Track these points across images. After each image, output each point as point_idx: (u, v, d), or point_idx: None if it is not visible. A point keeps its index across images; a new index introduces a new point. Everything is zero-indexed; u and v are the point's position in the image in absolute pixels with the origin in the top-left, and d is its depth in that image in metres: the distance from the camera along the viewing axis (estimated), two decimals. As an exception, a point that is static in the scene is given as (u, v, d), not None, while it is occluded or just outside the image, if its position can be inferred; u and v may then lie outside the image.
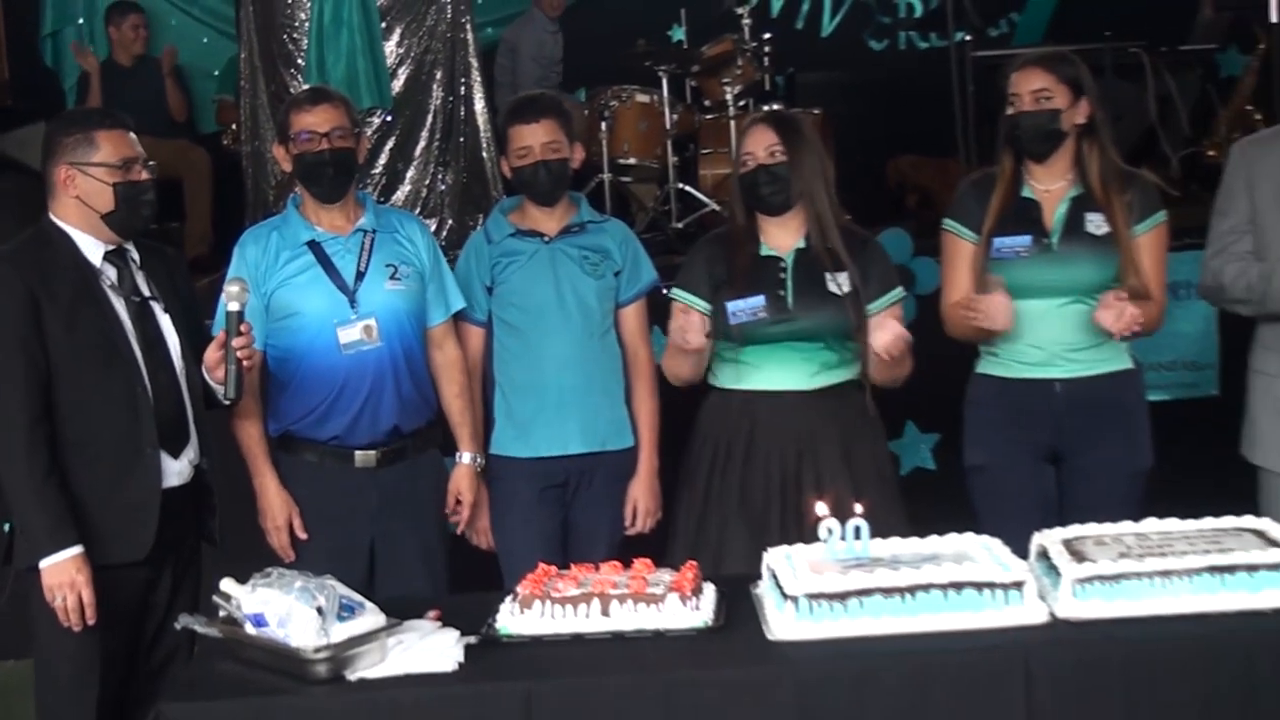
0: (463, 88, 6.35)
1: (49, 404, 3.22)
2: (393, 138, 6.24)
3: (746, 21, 7.52)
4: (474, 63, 6.38)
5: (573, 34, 8.43)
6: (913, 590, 2.74)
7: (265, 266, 3.72)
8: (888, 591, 2.74)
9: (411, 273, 3.79)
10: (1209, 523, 3.01)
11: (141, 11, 7.91)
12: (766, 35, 7.61)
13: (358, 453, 3.74)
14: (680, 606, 2.82)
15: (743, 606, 2.92)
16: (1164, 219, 3.78)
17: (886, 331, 3.52)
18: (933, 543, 2.98)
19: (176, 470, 3.36)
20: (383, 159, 6.22)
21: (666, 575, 2.94)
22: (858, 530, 2.90)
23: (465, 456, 3.91)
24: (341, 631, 2.70)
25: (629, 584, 2.88)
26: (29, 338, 3.20)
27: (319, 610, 2.70)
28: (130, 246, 3.40)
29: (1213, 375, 5.68)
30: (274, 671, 2.71)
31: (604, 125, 7.19)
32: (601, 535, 3.93)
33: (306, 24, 6.08)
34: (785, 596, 2.77)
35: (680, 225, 7.07)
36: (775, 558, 2.93)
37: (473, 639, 2.76)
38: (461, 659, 2.72)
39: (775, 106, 6.94)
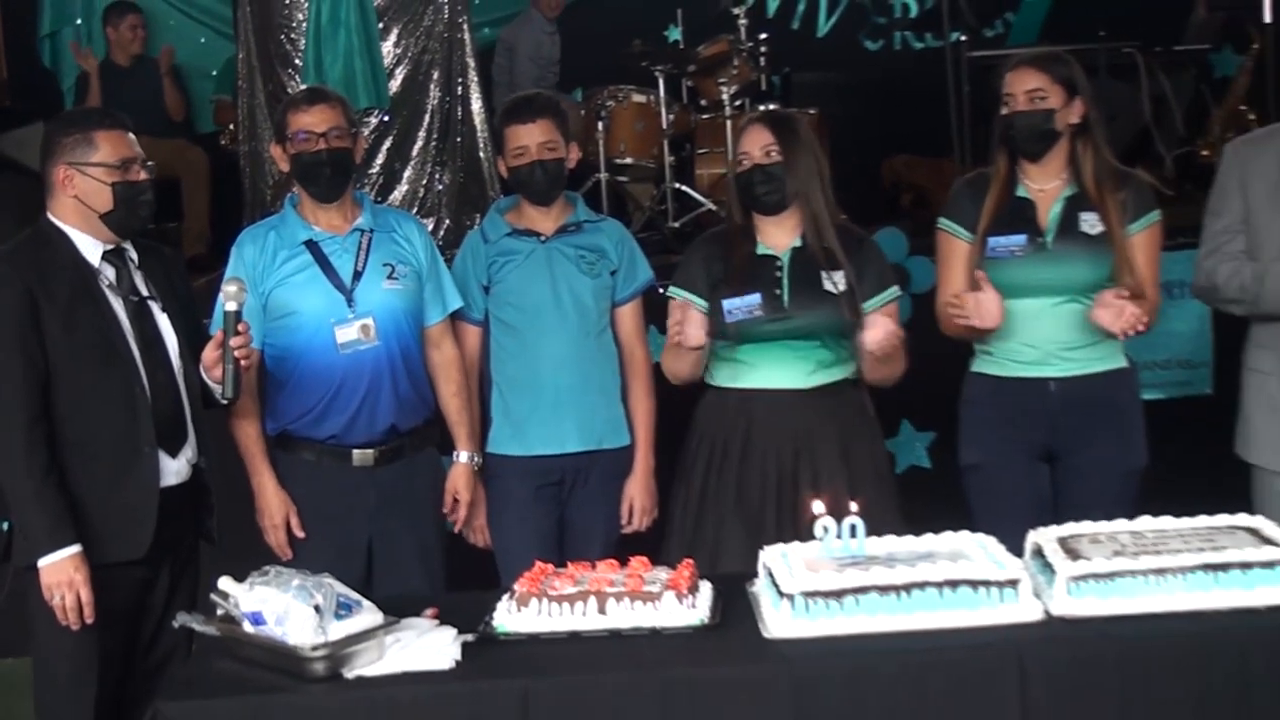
0: (459, 88, 6.36)
1: (47, 403, 3.23)
2: (390, 137, 6.25)
3: (742, 22, 7.52)
4: (471, 63, 6.39)
5: (570, 34, 8.44)
6: (908, 588, 2.75)
7: (263, 266, 3.73)
8: (883, 589, 2.75)
9: (409, 272, 3.80)
10: (1203, 521, 3.02)
11: (139, 12, 7.91)
12: (762, 35, 7.62)
13: (355, 451, 3.74)
14: (677, 604, 2.83)
15: (739, 604, 2.93)
16: (1158, 218, 3.79)
17: (878, 329, 3.53)
18: (928, 541, 2.99)
19: (174, 469, 3.37)
20: (380, 159, 6.22)
21: (663, 573, 2.94)
22: (853, 528, 2.91)
23: (462, 455, 3.92)
24: (339, 630, 2.71)
25: (626, 582, 2.88)
26: (27, 337, 3.21)
27: (316, 608, 2.70)
28: (128, 246, 3.40)
29: (1207, 374, 5.70)
30: (272, 669, 2.71)
31: (600, 125, 7.20)
32: (598, 533, 3.94)
33: (304, 24, 6.08)
34: (781, 594, 2.77)
35: (677, 225, 7.08)
36: (771, 556, 2.93)
37: (470, 637, 2.77)
38: (459, 657, 2.72)
39: (771, 106, 6.95)
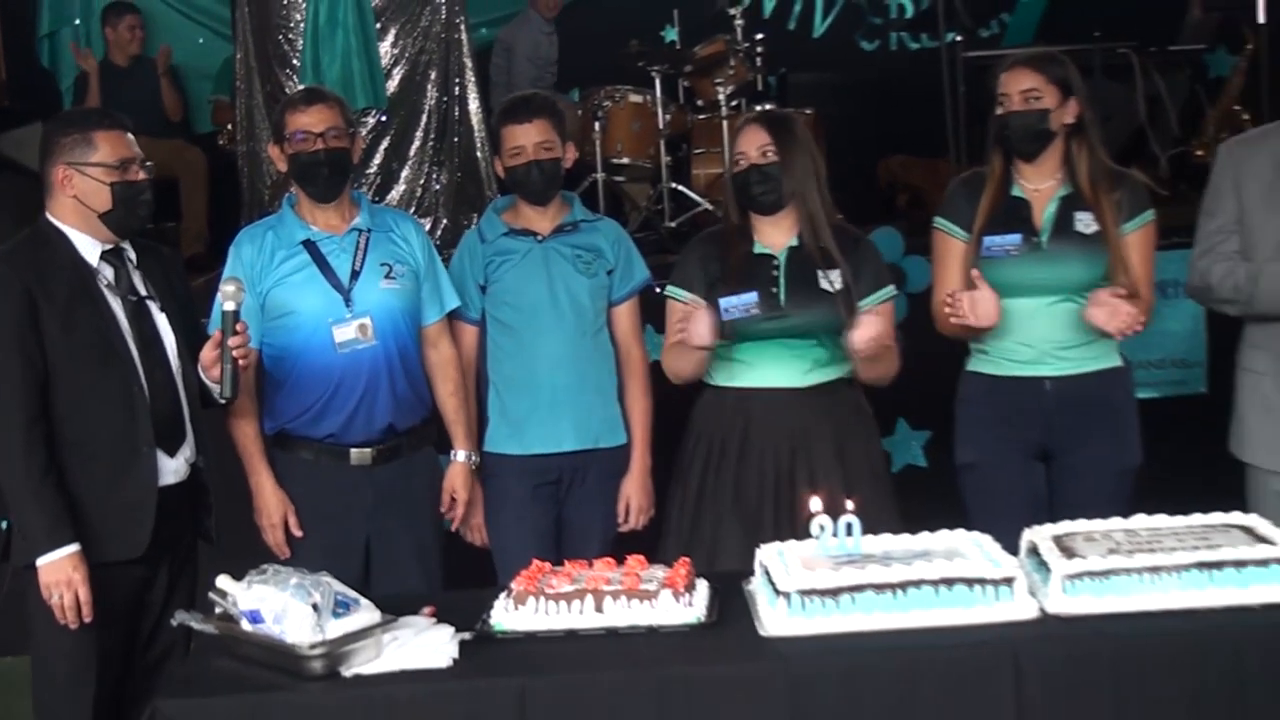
0: (457, 88, 6.37)
1: (46, 403, 3.23)
2: (387, 137, 6.25)
3: (739, 22, 7.54)
4: (468, 63, 6.40)
5: (566, 34, 8.45)
6: (904, 586, 2.75)
7: (261, 266, 3.73)
8: (879, 587, 2.75)
9: (406, 272, 3.81)
10: (1197, 519, 3.03)
11: (138, 12, 7.91)
12: (759, 36, 7.64)
13: (353, 451, 3.75)
14: (673, 603, 2.83)
15: (735, 603, 2.93)
16: (1152, 218, 3.80)
17: (866, 329, 3.54)
18: (924, 539, 3.00)
19: (173, 469, 3.37)
20: (378, 159, 6.23)
21: (660, 572, 2.95)
22: (849, 527, 2.91)
23: (460, 454, 3.93)
24: (337, 628, 2.71)
25: (622, 580, 2.89)
26: (26, 337, 3.21)
27: (314, 607, 2.71)
28: (127, 246, 3.40)
29: (1201, 373, 5.71)
30: (270, 668, 2.72)
31: (597, 125, 7.20)
32: (595, 532, 3.95)
33: (302, 24, 6.09)
34: (778, 592, 2.78)
35: (673, 224, 7.09)
36: (768, 554, 2.94)
37: (467, 635, 2.78)
38: (456, 655, 2.73)
39: (768, 106, 6.96)
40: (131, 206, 3.34)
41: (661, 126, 7.30)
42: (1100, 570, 2.79)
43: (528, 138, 3.90)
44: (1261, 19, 7.49)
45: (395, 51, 6.26)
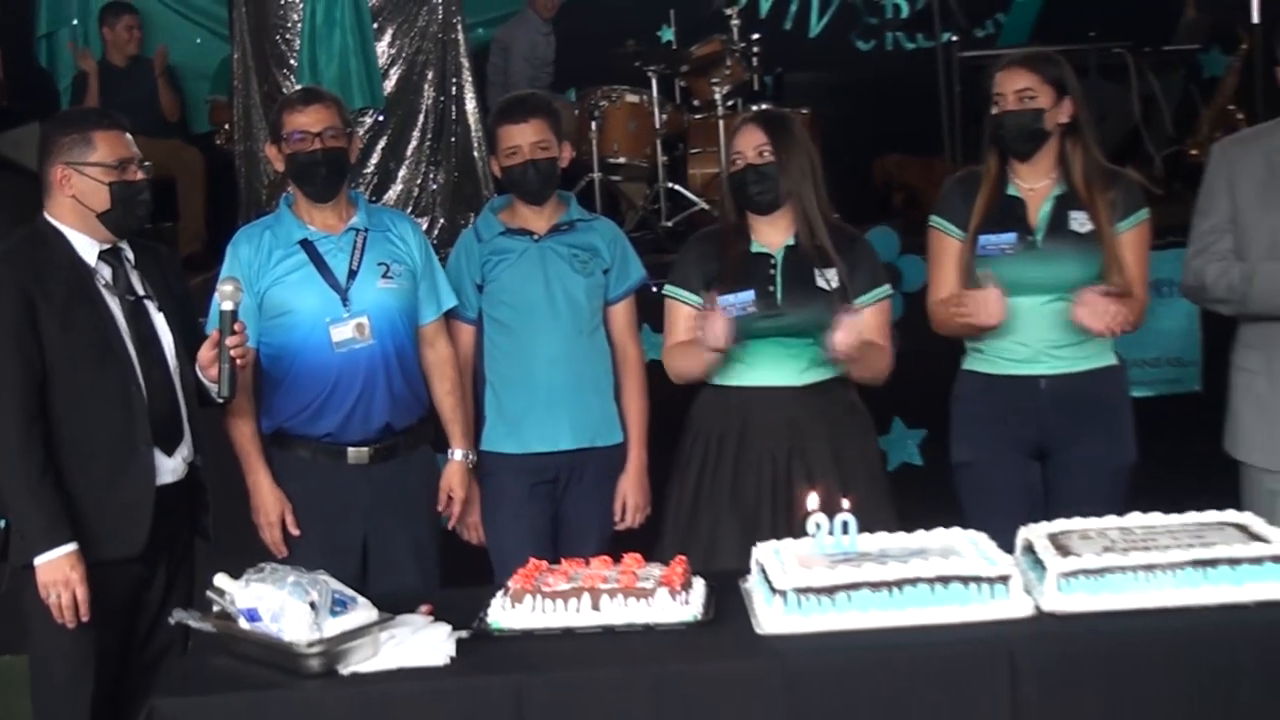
0: (454, 88, 6.37)
1: (44, 402, 3.24)
2: (384, 137, 6.26)
3: (735, 22, 7.56)
4: (465, 63, 6.40)
5: (563, 34, 8.46)
6: (900, 584, 2.75)
7: (258, 265, 3.74)
8: (875, 586, 2.75)
9: (403, 271, 3.81)
10: (1192, 517, 3.03)
11: (135, 12, 7.92)
12: (755, 36, 7.65)
13: (350, 449, 3.76)
14: (670, 601, 2.83)
15: (732, 601, 2.94)
16: (1146, 216, 3.81)
17: (844, 331, 3.54)
18: (920, 537, 3.00)
19: (170, 468, 3.38)
20: (375, 158, 6.23)
21: (656, 570, 2.95)
22: (845, 525, 2.92)
23: (457, 453, 3.94)
24: (334, 626, 2.71)
25: (619, 579, 2.89)
26: (24, 337, 3.22)
27: (312, 605, 2.71)
28: (125, 245, 3.41)
29: (1196, 372, 5.72)
30: (267, 666, 2.72)
31: (594, 125, 7.21)
32: (591, 530, 3.95)
33: (299, 25, 6.09)
34: (774, 591, 2.78)
35: (669, 224, 7.10)
36: (764, 552, 2.94)
37: (464, 633, 2.78)
38: (453, 653, 2.73)
39: (764, 106, 6.97)
40: (130, 206, 3.34)
41: (658, 126, 7.31)
42: (1095, 568, 2.79)
43: (524, 137, 3.90)
44: (1255, 19, 7.51)
45: (392, 51, 6.26)
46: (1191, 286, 3.86)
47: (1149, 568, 2.79)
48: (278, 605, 2.72)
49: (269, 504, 3.77)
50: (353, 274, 3.75)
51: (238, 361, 3.37)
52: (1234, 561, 2.79)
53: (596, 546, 3.72)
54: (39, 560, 3.21)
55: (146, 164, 3.41)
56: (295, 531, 3.78)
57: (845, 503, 2.95)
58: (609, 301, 4.02)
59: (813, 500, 2.96)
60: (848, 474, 3.65)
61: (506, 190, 4.06)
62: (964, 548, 2.92)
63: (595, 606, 2.83)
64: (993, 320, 3.69)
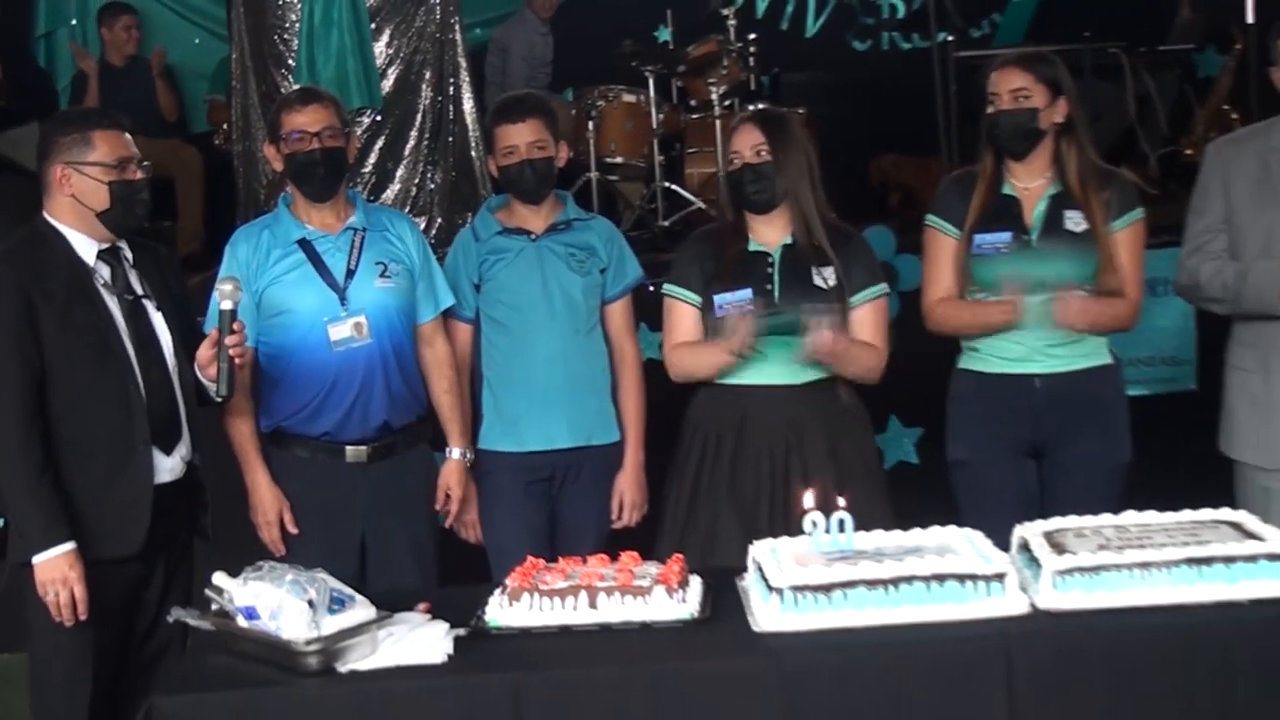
0: (451, 88, 6.38)
1: (43, 402, 3.24)
2: (382, 137, 6.26)
3: (732, 22, 7.56)
4: (462, 63, 6.40)
5: (560, 34, 8.46)
6: (896, 582, 2.76)
7: (256, 264, 3.75)
8: (871, 583, 2.76)
9: (401, 270, 3.82)
10: (1187, 515, 3.04)
11: (134, 12, 7.92)
12: (751, 36, 7.64)
13: (348, 448, 3.76)
14: (667, 599, 2.84)
15: (729, 598, 2.94)
16: (1141, 216, 3.82)
17: (817, 336, 3.54)
18: (916, 535, 3.01)
19: (169, 467, 3.39)
20: (372, 158, 6.24)
21: (653, 568, 2.96)
22: (841, 523, 2.93)
23: (455, 452, 3.94)
24: (332, 624, 2.72)
25: (616, 576, 2.90)
26: (23, 336, 3.22)
27: (310, 603, 2.71)
28: (123, 245, 3.42)
29: (1190, 370, 5.73)
30: (266, 664, 2.73)
31: (591, 125, 7.21)
32: (589, 528, 3.96)
33: (297, 25, 6.09)
34: (770, 589, 2.79)
35: (666, 223, 7.10)
36: (761, 550, 2.95)
37: (462, 631, 2.79)
38: (451, 651, 2.74)
39: (761, 106, 6.98)
40: (129, 205, 3.35)
41: (655, 126, 7.31)
42: (1091, 566, 2.80)
43: (521, 137, 3.91)
44: (1250, 19, 7.53)
45: (390, 51, 6.27)
46: (1186, 285, 3.87)
47: (1144, 565, 2.80)
48: (276, 603, 2.73)
49: (267, 503, 3.77)
50: (350, 273, 3.76)
51: (236, 361, 3.38)
52: (1229, 559, 2.80)
53: (594, 545, 3.72)
54: (37, 559, 3.22)
55: (145, 164, 3.41)
56: (294, 530, 3.78)
57: (841, 501, 2.96)
58: (606, 300, 4.03)
59: (809, 498, 2.96)
60: (845, 472, 3.66)
61: (503, 190, 4.07)
62: (960, 546, 2.92)
63: (592, 604, 2.84)
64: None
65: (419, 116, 6.33)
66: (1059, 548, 2.87)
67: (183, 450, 3.42)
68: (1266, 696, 2.69)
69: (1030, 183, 3.82)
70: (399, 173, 6.30)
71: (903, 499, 3.80)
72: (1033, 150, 3.79)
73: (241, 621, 2.77)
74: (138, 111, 6.20)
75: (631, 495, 4.02)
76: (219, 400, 3.45)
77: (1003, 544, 2.97)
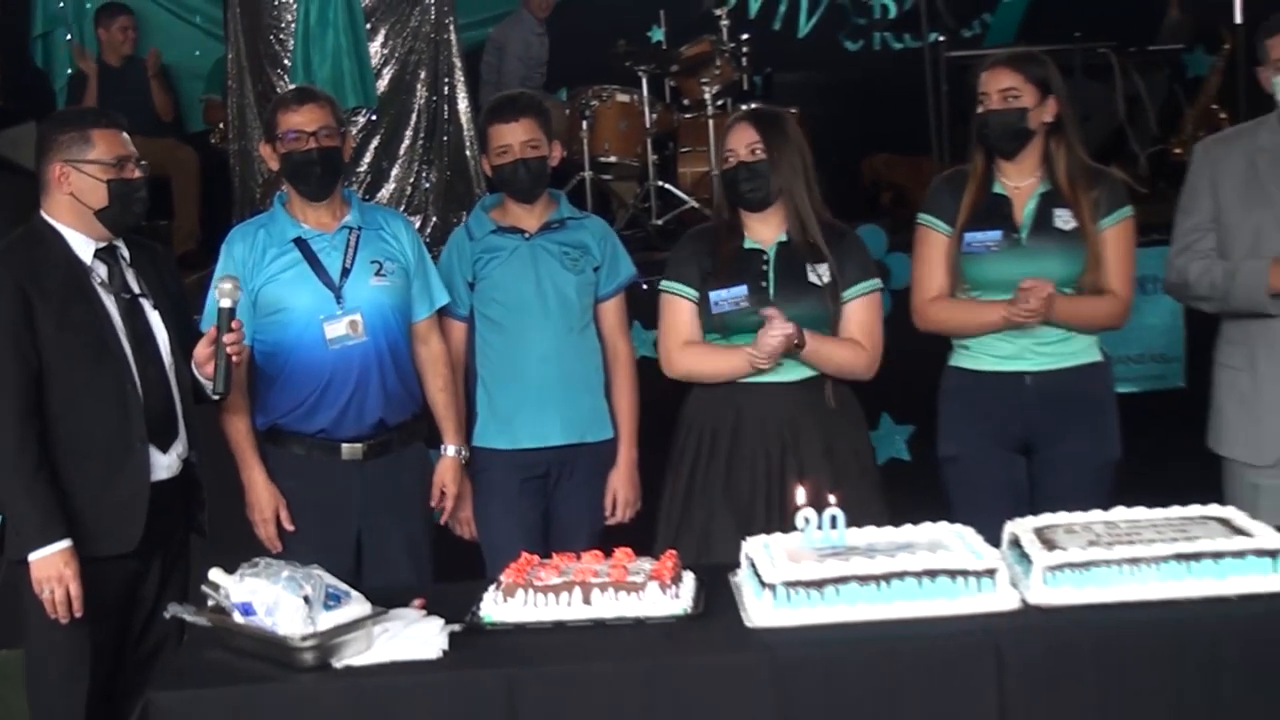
0: (446, 87, 6.39)
1: (40, 400, 3.25)
2: (377, 136, 6.27)
3: (724, 22, 7.57)
4: (457, 63, 6.42)
5: (554, 34, 8.48)
6: (888, 578, 2.76)
7: (252, 263, 3.75)
8: (863, 579, 2.76)
9: (396, 269, 3.83)
10: (1176, 512, 3.05)
11: (130, 13, 7.93)
12: (744, 36, 7.67)
13: (344, 445, 3.77)
14: (660, 594, 2.84)
15: (722, 594, 2.95)
16: (1130, 214, 3.83)
17: (771, 326, 3.55)
18: (907, 531, 3.02)
19: (165, 464, 3.39)
20: (368, 157, 6.25)
21: (646, 564, 2.96)
22: (834, 519, 2.94)
23: (450, 449, 3.96)
24: (328, 620, 2.72)
25: (610, 573, 2.90)
26: (20, 334, 3.23)
27: (306, 599, 2.72)
28: (120, 244, 3.42)
29: (1179, 368, 5.74)
30: (262, 659, 2.73)
31: (585, 124, 7.23)
32: (582, 525, 3.97)
33: (293, 25, 6.10)
34: (763, 584, 2.79)
35: (660, 222, 7.12)
36: (753, 546, 2.96)
37: (457, 627, 2.79)
38: (446, 646, 2.74)
39: (754, 105, 6.99)
40: (127, 204, 3.36)
41: (648, 125, 7.33)
42: (1081, 562, 2.80)
43: (514, 136, 3.93)
44: (1238, 19, 7.56)
45: (385, 51, 6.28)
46: (1175, 284, 3.89)
47: (1133, 561, 2.80)
48: (272, 599, 2.73)
49: (264, 500, 3.78)
50: (346, 272, 3.77)
51: (234, 359, 3.39)
52: (1217, 555, 2.81)
53: (587, 541, 3.72)
54: (33, 556, 3.22)
55: (143, 162, 3.43)
56: (290, 527, 3.79)
57: (832, 498, 2.97)
58: (599, 299, 4.05)
59: (801, 495, 2.98)
60: (840, 471, 3.67)
61: (497, 189, 4.08)
62: (951, 542, 2.93)
63: (586, 600, 2.85)
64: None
65: (414, 116, 6.34)
66: (1049, 544, 2.88)
67: (179, 448, 3.43)
68: (1255, 691, 2.70)
69: (1020, 181, 3.84)
70: (394, 172, 6.31)
71: (894, 495, 3.80)
72: (1022, 149, 3.80)
73: (238, 617, 2.78)
74: (134, 111, 6.18)
75: (625, 493, 4.04)
76: (215, 398, 3.45)
77: (993, 539, 2.98)
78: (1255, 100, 4.28)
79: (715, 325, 3.71)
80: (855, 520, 2.99)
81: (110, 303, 3.35)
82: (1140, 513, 3.06)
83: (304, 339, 3.73)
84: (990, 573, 2.80)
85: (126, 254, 3.44)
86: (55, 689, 3.34)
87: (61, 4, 8.42)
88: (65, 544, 3.23)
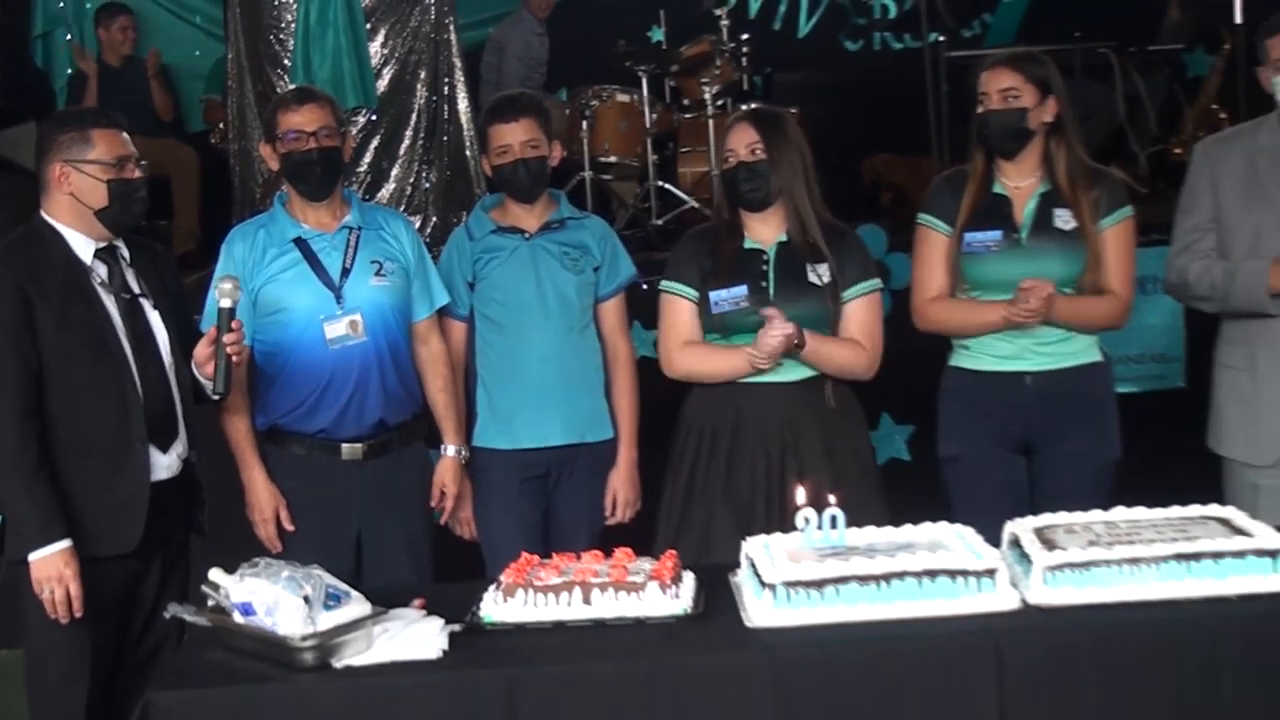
0: (446, 87, 6.39)
1: (40, 400, 3.25)
2: (377, 136, 6.27)
3: (724, 22, 7.58)
4: (457, 63, 6.42)
5: (555, 34, 8.48)
6: (888, 578, 2.76)
7: (252, 263, 3.75)
8: (863, 579, 2.76)
9: (396, 269, 3.83)
10: (1175, 512, 3.05)
11: (130, 13, 7.93)
12: (744, 36, 7.67)
13: (344, 445, 3.77)
14: (660, 594, 2.84)
15: (722, 594, 2.95)
16: (1130, 214, 3.83)
17: (771, 326, 3.55)
18: (907, 531, 3.02)
19: (165, 464, 3.40)
20: (368, 157, 6.25)
21: (646, 564, 2.96)
22: (834, 519, 2.94)
23: (450, 449, 3.96)
24: (328, 620, 2.73)
25: (610, 573, 2.90)
26: (20, 335, 3.23)
27: (306, 599, 2.72)
28: (120, 244, 3.43)
29: (1179, 368, 5.74)
30: (262, 659, 2.73)
31: (585, 124, 7.23)
32: (582, 525, 3.97)
33: (293, 25, 6.11)
34: (763, 584, 2.79)
35: (660, 222, 7.12)
36: (753, 546, 2.96)
37: (457, 627, 2.79)
38: (446, 646, 2.74)
39: (754, 105, 6.99)
40: (127, 203, 3.36)
41: (648, 125, 7.34)
42: (1080, 562, 2.80)
43: (514, 136, 3.93)
44: (1238, 19, 7.57)
45: (385, 51, 6.28)
46: (1175, 284, 3.90)
47: (1133, 561, 2.80)
48: (272, 599, 2.73)
49: (263, 500, 3.78)
50: (346, 272, 3.77)
51: (234, 359, 3.39)
52: (1217, 555, 2.81)
53: (587, 541, 3.72)
54: (33, 556, 3.22)
55: (143, 162, 3.43)
56: (290, 527, 3.79)
57: (832, 498, 2.97)
58: (599, 299, 4.05)
59: (801, 495, 2.98)
60: (841, 471, 3.66)
61: (497, 189, 4.08)
62: (951, 542, 2.93)
63: (586, 600, 2.85)
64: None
65: (414, 116, 6.34)
66: (1049, 544, 2.88)
67: (179, 448, 3.43)
68: (1254, 691, 2.70)
69: (1020, 181, 3.84)
70: (394, 172, 6.32)
71: (894, 495, 3.80)
72: (1022, 149, 3.80)
73: (238, 617, 2.78)
74: (134, 111, 6.19)
75: (624, 493, 4.04)
76: (215, 398, 3.45)
77: (993, 539, 2.98)
78: (1255, 100, 4.28)
79: (715, 325, 3.71)
80: (855, 520, 2.99)
81: (110, 303, 3.35)
82: (1140, 513, 3.06)
83: (304, 339, 3.73)
84: (990, 573, 2.80)
85: (126, 254, 3.44)
86: (55, 689, 3.34)
87: (61, 4, 8.43)
88: (65, 544, 3.23)
